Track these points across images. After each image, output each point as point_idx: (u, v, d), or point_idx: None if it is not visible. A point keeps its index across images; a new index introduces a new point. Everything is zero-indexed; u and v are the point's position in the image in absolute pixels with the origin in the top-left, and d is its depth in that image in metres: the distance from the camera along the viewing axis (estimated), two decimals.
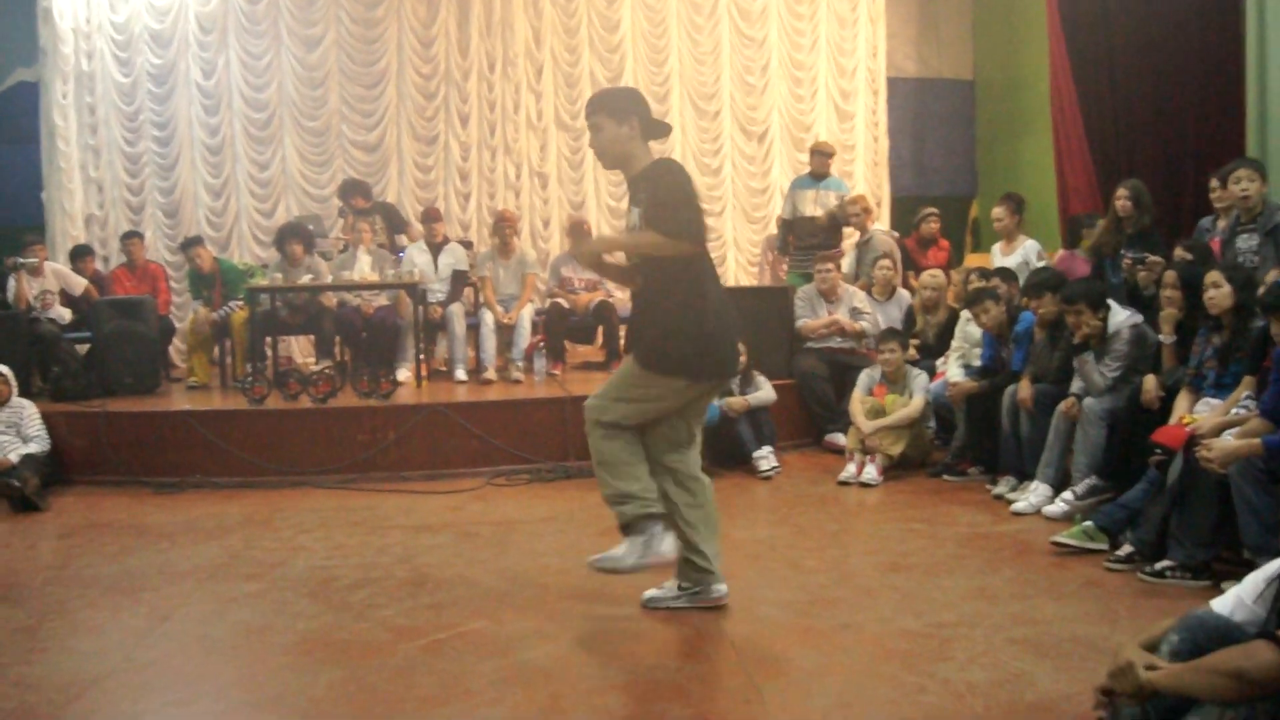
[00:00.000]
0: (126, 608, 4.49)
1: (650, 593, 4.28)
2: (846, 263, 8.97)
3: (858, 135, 11.65)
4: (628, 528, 3.95)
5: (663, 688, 3.46)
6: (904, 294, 8.23)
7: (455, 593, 4.55)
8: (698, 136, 11.53)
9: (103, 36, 11.16)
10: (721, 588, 4.21)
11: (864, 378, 7.11)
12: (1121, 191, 6.67)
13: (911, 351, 7.47)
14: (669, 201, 3.84)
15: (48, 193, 11.03)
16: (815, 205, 9.17)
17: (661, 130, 4.18)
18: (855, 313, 7.94)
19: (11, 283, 8.88)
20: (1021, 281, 7.07)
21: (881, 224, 10.45)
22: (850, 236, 9.76)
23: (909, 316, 7.95)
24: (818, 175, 9.31)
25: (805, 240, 9.26)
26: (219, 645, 3.97)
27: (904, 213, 10.98)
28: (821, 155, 9.37)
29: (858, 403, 6.93)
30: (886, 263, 8.30)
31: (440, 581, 4.74)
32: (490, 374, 8.49)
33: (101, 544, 5.66)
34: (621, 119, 3.98)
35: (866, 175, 11.64)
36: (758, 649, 3.77)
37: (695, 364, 3.98)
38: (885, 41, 11.69)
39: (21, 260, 8.84)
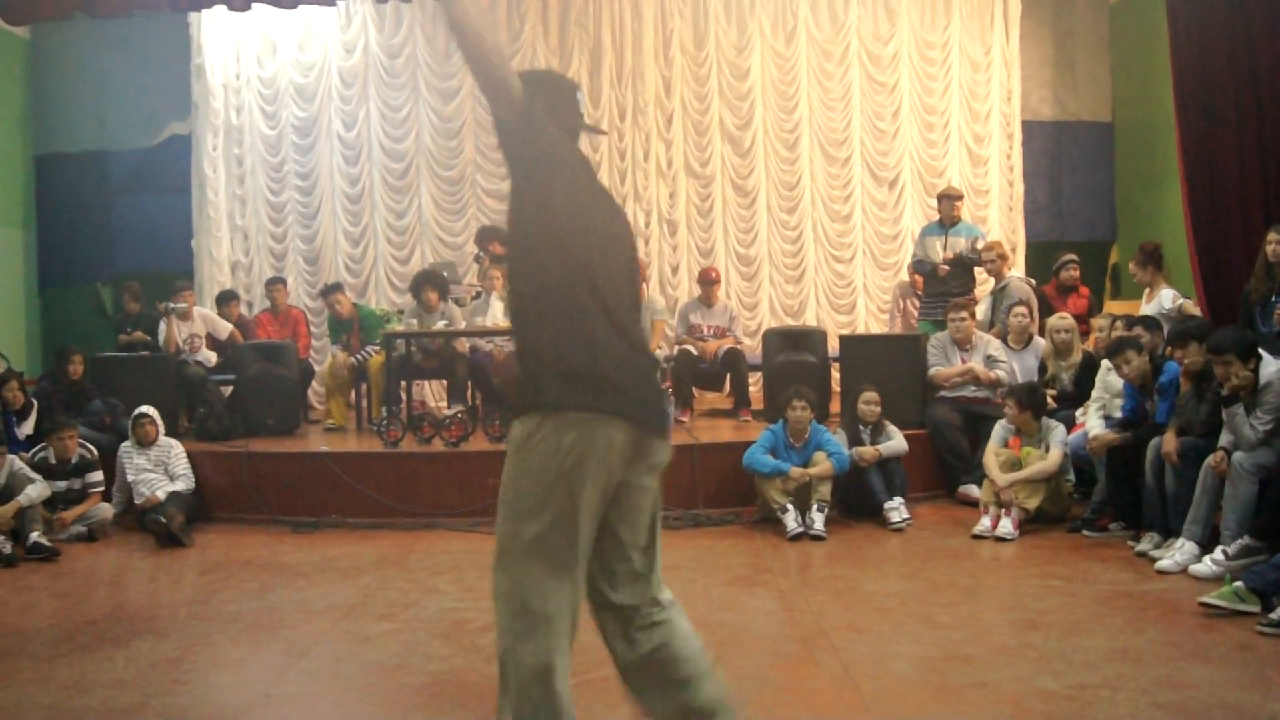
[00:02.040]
0: (266, 643, 4.63)
1: None
2: (981, 310, 8.80)
3: (992, 180, 11.45)
4: None
5: None
6: (1040, 342, 8.03)
7: (585, 637, 4.52)
8: (827, 183, 11.46)
9: (251, 91, 11.63)
10: None
11: (999, 428, 6.95)
12: (1272, 236, 6.43)
13: (1050, 402, 7.26)
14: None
15: (197, 240, 11.51)
16: (944, 252, 9.04)
17: (584, 127, 3.00)
18: (990, 361, 7.78)
19: (162, 327, 9.27)
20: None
21: (1017, 270, 10.24)
22: (985, 283, 9.58)
23: (1044, 365, 7.76)
24: (946, 221, 9.18)
25: (934, 287, 9.12)
26: (354, 683, 4.06)
27: (1040, 258, 10.72)
28: (949, 200, 9.25)
29: (992, 454, 6.78)
30: (1022, 310, 8.11)
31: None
32: None
33: (242, 580, 5.84)
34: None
35: (1001, 220, 11.42)
36: (889, 705, 3.70)
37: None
38: (1020, 84, 11.49)
39: (172, 305, 9.23)
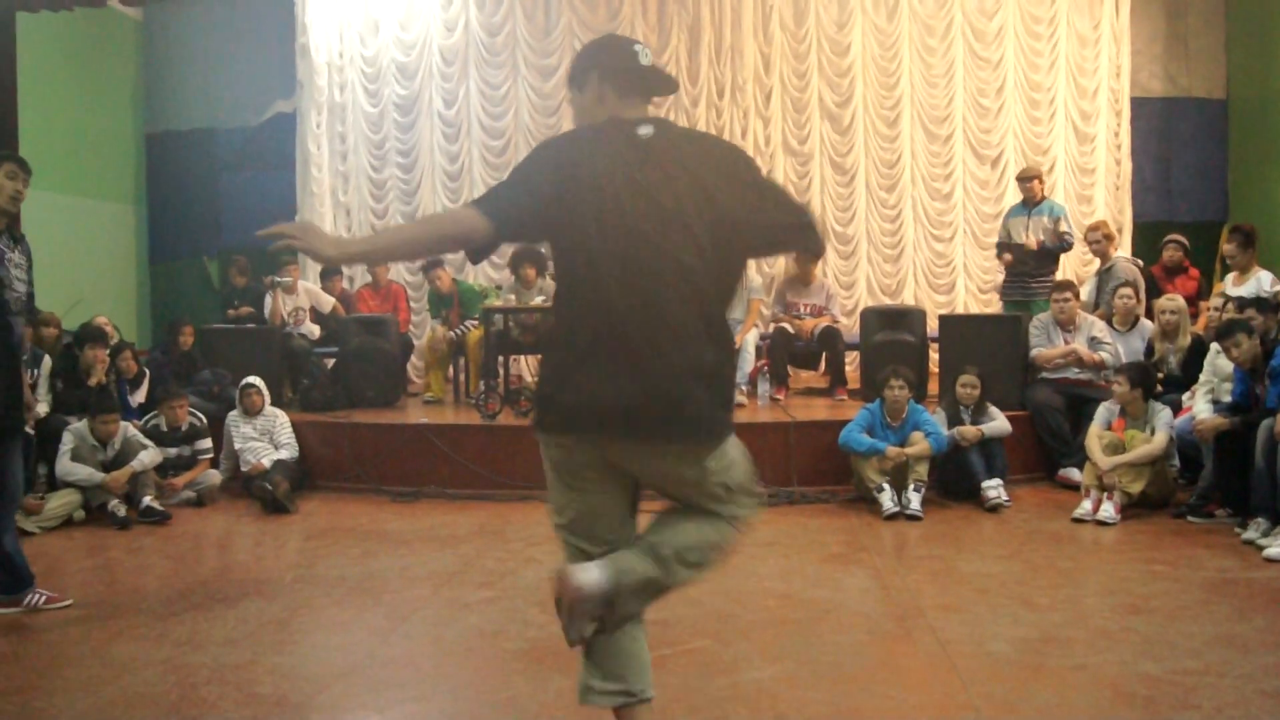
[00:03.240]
0: (369, 607, 4.74)
1: None
2: (1086, 291, 8.62)
3: (1099, 158, 11.17)
4: None
5: (890, 717, 3.41)
6: (1146, 324, 7.83)
7: (679, 611, 4.59)
8: (928, 160, 11.30)
9: (354, 69, 11.82)
10: None
11: (1102, 411, 6.82)
12: None
13: (1157, 385, 7.10)
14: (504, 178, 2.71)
15: (301, 216, 11.73)
16: (1027, 233, 8.86)
17: (649, 76, 2.84)
18: (1094, 343, 7.62)
19: (268, 300, 9.50)
20: None
21: (1124, 251, 10.00)
22: (1090, 264, 9.37)
23: (1150, 348, 7.58)
24: (1029, 202, 8.99)
25: (1016, 267, 8.96)
26: (454, 648, 4.14)
27: (1148, 239, 10.45)
28: (1024, 182, 9.06)
29: (1095, 437, 6.64)
30: (1128, 291, 7.92)
31: (664, 600, 4.78)
32: None
33: (345, 547, 5.99)
34: (582, 84, 2.83)
35: (1108, 200, 11.15)
36: (986, 685, 3.66)
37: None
38: (1130, 60, 11.19)
39: (278, 279, 9.44)
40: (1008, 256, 8.88)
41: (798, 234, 2.82)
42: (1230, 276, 7.88)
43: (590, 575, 2.69)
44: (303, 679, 3.81)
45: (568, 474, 2.72)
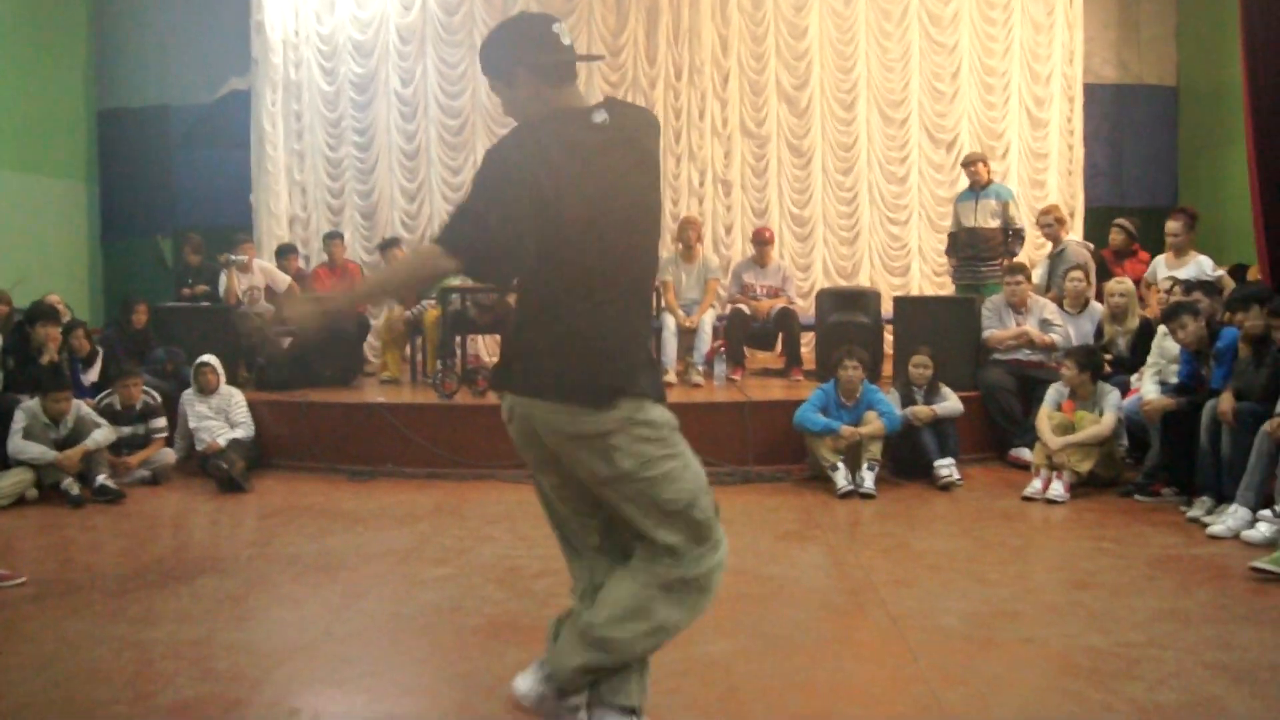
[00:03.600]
0: (325, 584, 4.75)
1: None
2: (1037, 274, 8.73)
3: (1052, 143, 11.30)
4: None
5: (840, 689, 3.47)
6: (1097, 307, 7.95)
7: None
8: (884, 144, 11.38)
9: (309, 47, 11.71)
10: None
11: (1052, 392, 6.92)
12: None
13: (1106, 367, 7.22)
14: (461, 204, 2.71)
15: (256, 195, 11.63)
16: (975, 217, 8.98)
17: (573, 57, 2.81)
18: (1045, 324, 7.73)
19: (223, 278, 9.43)
20: None
21: (1075, 235, 10.13)
22: (1042, 247, 9.49)
23: (1100, 330, 7.70)
24: (975, 186, 9.09)
25: (965, 251, 9.08)
26: (410, 623, 4.16)
27: (1100, 224, 10.58)
28: (968, 166, 9.18)
29: (1045, 418, 6.75)
30: (1078, 274, 8.04)
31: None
32: (670, 377, 8.57)
33: (301, 525, 5.98)
34: (509, 79, 2.76)
35: (1060, 184, 11.28)
36: (937, 658, 3.73)
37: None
38: (1083, 46, 11.31)
39: (233, 257, 9.38)
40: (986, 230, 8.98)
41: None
42: (1164, 256, 8.02)
43: (520, 686, 2.90)
44: (259, 654, 3.82)
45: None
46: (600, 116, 2.73)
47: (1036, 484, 6.48)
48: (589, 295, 2.67)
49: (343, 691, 3.51)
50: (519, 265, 2.68)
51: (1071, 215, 10.79)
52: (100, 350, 8.18)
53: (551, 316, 2.69)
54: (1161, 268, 7.94)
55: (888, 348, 8.88)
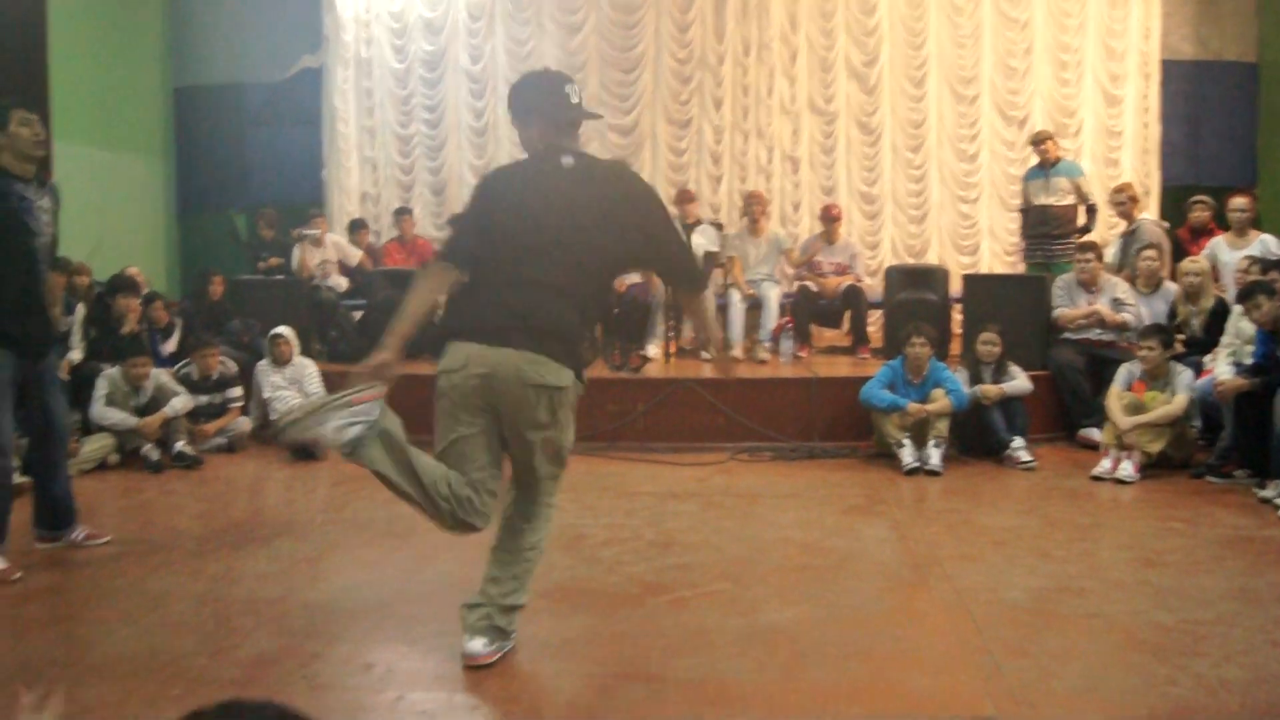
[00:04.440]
0: (397, 548, 4.87)
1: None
2: (1110, 253, 8.62)
3: (1126, 121, 11.12)
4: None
5: (904, 658, 3.49)
6: (1170, 286, 7.84)
7: (700, 556, 4.70)
8: (954, 122, 11.27)
9: (380, 25, 11.85)
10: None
11: (1123, 372, 6.84)
12: None
13: (1178, 346, 7.12)
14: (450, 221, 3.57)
15: (328, 171, 11.83)
16: (1044, 194, 8.89)
17: (578, 115, 3.52)
18: (1117, 304, 7.64)
19: (296, 253, 9.60)
20: None
21: (1150, 213, 9.97)
22: (1116, 226, 9.36)
23: (1173, 310, 7.59)
24: (1045, 164, 8.99)
25: (1036, 229, 8.98)
26: (478, 587, 4.23)
27: (1176, 203, 10.41)
28: (1036, 145, 9.06)
29: (1115, 398, 6.67)
30: (1151, 253, 7.92)
31: (686, 545, 4.90)
32: (737, 352, 8.60)
33: (373, 492, 6.01)
34: (525, 121, 3.50)
35: (1135, 163, 11.10)
36: (1000, 629, 3.74)
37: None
38: (1160, 21, 11.10)
39: (306, 232, 9.55)
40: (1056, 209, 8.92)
41: (668, 275, 4.04)
42: (1225, 236, 7.90)
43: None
44: (334, 613, 3.94)
45: None
46: (568, 161, 3.44)
47: (1105, 464, 6.42)
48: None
49: (414, 649, 3.60)
50: (475, 258, 3.45)
51: (1146, 194, 10.62)
52: (178, 322, 8.39)
53: (593, 302, 3.58)
54: (1223, 248, 7.82)
55: (956, 326, 8.82)
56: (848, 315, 9.27)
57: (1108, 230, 9.98)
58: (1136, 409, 6.54)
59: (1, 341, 4.47)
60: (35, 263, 4.65)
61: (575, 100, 3.49)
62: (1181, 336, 7.32)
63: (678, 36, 11.43)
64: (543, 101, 3.48)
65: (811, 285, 9.07)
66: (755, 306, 8.84)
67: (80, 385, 7.10)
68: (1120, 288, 7.75)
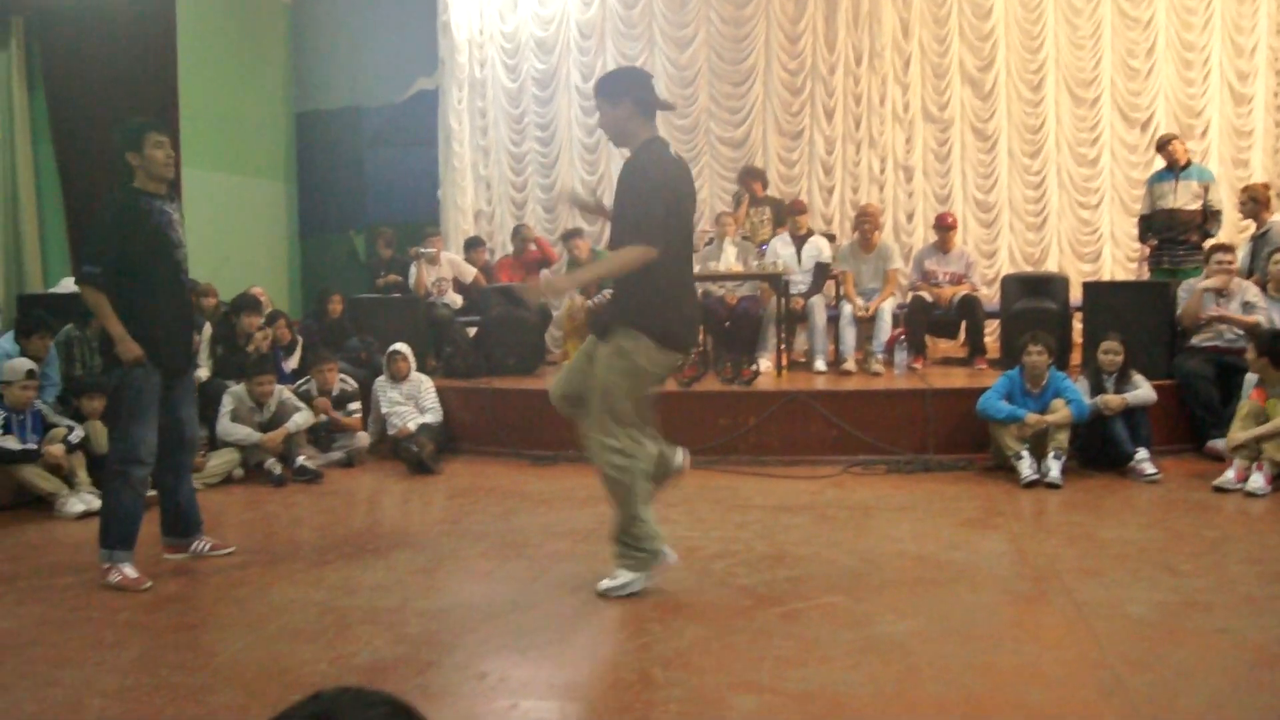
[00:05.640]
0: (511, 559, 4.94)
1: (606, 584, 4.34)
2: (1240, 256, 8.31)
3: (1256, 119, 10.71)
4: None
5: (1023, 673, 3.41)
6: None
7: (812, 568, 4.66)
8: (1073, 125, 10.99)
9: (493, 45, 12.07)
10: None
11: (1249, 379, 6.59)
12: None
13: None
14: (632, 204, 4.10)
15: (443, 190, 12.07)
16: (1174, 198, 8.61)
17: (660, 105, 4.29)
18: (1248, 307, 7.36)
19: (413, 270, 9.80)
20: None
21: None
22: (1246, 229, 9.04)
23: None
24: (1173, 166, 8.70)
25: (1163, 234, 8.70)
26: (593, 598, 4.28)
27: None
28: (1163, 147, 8.78)
29: (1242, 406, 6.43)
30: None
31: (798, 558, 4.86)
32: (849, 365, 8.51)
33: (488, 505, 6.19)
34: (615, 101, 4.19)
35: (1265, 163, 10.69)
36: (1123, 645, 3.63)
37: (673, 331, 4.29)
38: None
39: (423, 250, 9.75)
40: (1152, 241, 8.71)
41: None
42: None
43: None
44: (450, 622, 4.00)
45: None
46: (673, 150, 4.31)
47: (1230, 474, 6.18)
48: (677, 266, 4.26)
49: (528, 658, 3.64)
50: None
51: (1277, 196, 10.22)
52: (300, 339, 8.62)
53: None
54: None
55: (1076, 336, 8.60)
56: (964, 325, 9.10)
57: (1236, 233, 9.64)
58: (1258, 417, 6.28)
59: (150, 357, 4.67)
60: (181, 275, 4.86)
61: (656, 93, 4.27)
62: None
63: (788, 47, 11.38)
64: (635, 87, 4.20)
65: (926, 295, 8.93)
66: (867, 320, 8.74)
67: (206, 402, 7.34)
68: (1251, 291, 7.47)
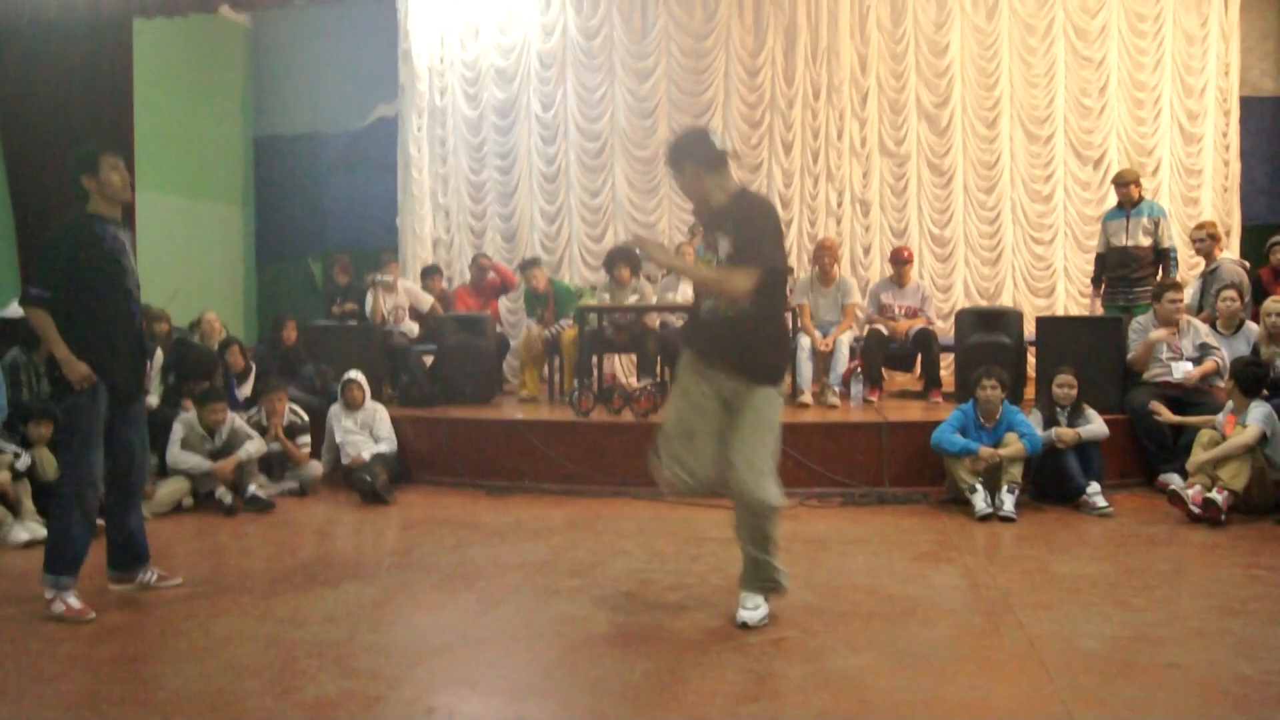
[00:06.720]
0: (462, 592, 4.87)
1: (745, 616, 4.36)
2: (1189, 293, 8.43)
3: (1206, 159, 10.91)
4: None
5: (972, 707, 3.41)
6: (1252, 327, 7.64)
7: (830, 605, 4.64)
8: (1027, 162, 11.14)
9: (454, 74, 12.05)
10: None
11: (1222, 413, 6.69)
12: None
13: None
14: (757, 238, 4.12)
15: (401, 217, 12.01)
16: (1126, 236, 8.72)
17: (720, 158, 4.26)
18: (1204, 348, 7.43)
19: (369, 298, 9.73)
20: None
21: (1230, 253, 9.74)
22: (1195, 266, 9.17)
23: (1256, 351, 7.39)
24: (1126, 205, 8.82)
25: (1116, 271, 8.81)
26: (544, 631, 4.23)
27: (1257, 242, 10.16)
28: (1121, 186, 8.89)
29: (1204, 435, 6.52)
30: (1231, 293, 7.73)
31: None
32: (806, 398, 8.53)
33: (440, 536, 6.13)
34: (679, 168, 4.28)
35: (1215, 201, 10.88)
36: (1075, 679, 3.64)
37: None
38: (1239, 58, 10.90)
39: (379, 277, 9.68)
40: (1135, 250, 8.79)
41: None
42: None
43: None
44: (398, 656, 3.95)
45: None
46: None
47: (1189, 492, 6.27)
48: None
49: (477, 693, 3.59)
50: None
51: (1227, 233, 10.39)
52: (254, 366, 8.53)
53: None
54: None
55: (1030, 370, 8.67)
56: (919, 359, 9.15)
57: (1187, 269, 9.78)
58: (1217, 445, 6.38)
59: (101, 381, 4.60)
60: (132, 302, 4.79)
61: (717, 142, 4.27)
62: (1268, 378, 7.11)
63: (747, 80, 11.45)
64: (691, 149, 4.25)
65: (882, 329, 8.98)
66: (824, 353, 8.76)
67: (157, 429, 7.22)
68: (1202, 330, 7.56)
